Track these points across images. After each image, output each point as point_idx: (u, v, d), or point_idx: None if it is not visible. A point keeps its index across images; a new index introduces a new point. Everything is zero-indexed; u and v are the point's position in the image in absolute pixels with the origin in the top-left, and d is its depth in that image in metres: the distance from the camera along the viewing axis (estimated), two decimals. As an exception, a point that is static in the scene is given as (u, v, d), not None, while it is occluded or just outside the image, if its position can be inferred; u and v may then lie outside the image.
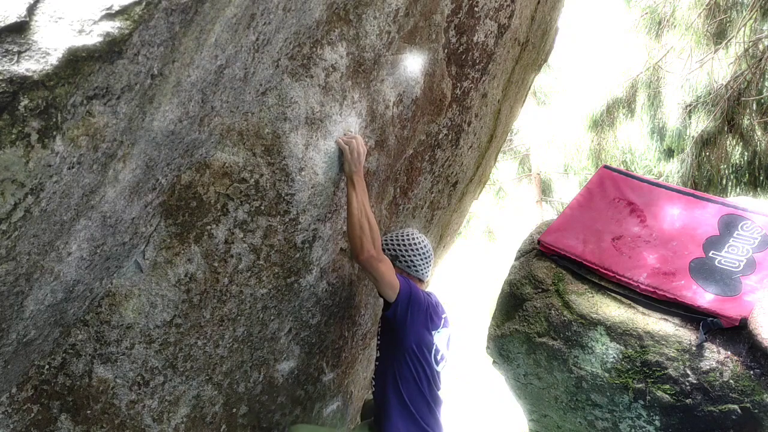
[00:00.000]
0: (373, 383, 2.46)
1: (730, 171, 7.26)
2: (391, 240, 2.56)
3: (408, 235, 2.57)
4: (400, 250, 2.52)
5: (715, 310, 2.43)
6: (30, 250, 1.37)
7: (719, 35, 6.99)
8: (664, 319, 2.54)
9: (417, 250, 2.53)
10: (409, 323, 2.32)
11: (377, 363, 2.46)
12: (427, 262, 2.56)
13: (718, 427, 2.31)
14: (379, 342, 2.48)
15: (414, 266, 2.51)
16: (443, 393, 2.52)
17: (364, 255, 2.19)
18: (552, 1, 3.84)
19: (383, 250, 2.44)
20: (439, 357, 2.45)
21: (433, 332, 2.42)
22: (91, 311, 1.81)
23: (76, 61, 1.20)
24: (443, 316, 2.53)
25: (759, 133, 6.98)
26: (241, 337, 2.26)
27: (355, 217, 2.21)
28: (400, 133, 2.72)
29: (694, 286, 2.58)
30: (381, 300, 2.59)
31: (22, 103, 1.15)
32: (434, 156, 3.10)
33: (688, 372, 2.37)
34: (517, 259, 3.25)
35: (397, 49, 2.49)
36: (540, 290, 2.92)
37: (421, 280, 2.57)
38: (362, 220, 2.21)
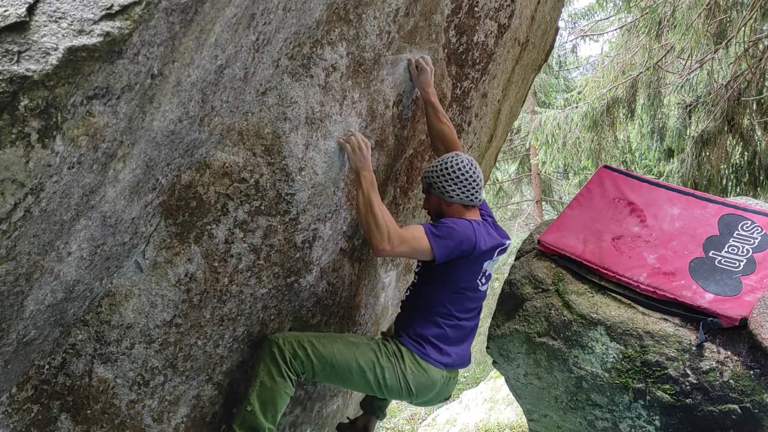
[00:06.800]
0: (406, 294, 2.51)
1: (730, 171, 7.25)
2: (430, 169, 2.46)
3: (444, 162, 2.41)
4: (435, 179, 2.42)
5: (715, 310, 2.43)
6: (30, 250, 1.37)
7: (719, 35, 6.98)
8: (664, 319, 2.54)
9: (451, 175, 2.38)
10: (453, 269, 2.34)
11: (415, 280, 2.49)
12: (467, 187, 2.37)
13: (718, 427, 2.31)
14: (418, 268, 2.49)
15: (447, 193, 2.38)
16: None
17: (378, 251, 2.19)
18: (552, 1, 3.84)
19: (422, 180, 2.50)
20: (483, 279, 2.45)
21: (484, 263, 2.41)
22: (91, 311, 1.81)
23: (76, 61, 1.20)
24: (496, 243, 2.41)
25: (759, 133, 6.97)
26: (241, 337, 2.26)
27: (362, 215, 2.23)
28: (400, 133, 2.72)
29: (694, 286, 2.57)
30: (382, 299, 2.58)
31: (22, 103, 1.15)
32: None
33: (688, 372, 2.37)
34: (517, 259, 3.25)
35: (397, 48, 2.48)
36: (540, 290, 2.92)
37: (466, 206, 2.43)
38: (368, 216, 2.21)
